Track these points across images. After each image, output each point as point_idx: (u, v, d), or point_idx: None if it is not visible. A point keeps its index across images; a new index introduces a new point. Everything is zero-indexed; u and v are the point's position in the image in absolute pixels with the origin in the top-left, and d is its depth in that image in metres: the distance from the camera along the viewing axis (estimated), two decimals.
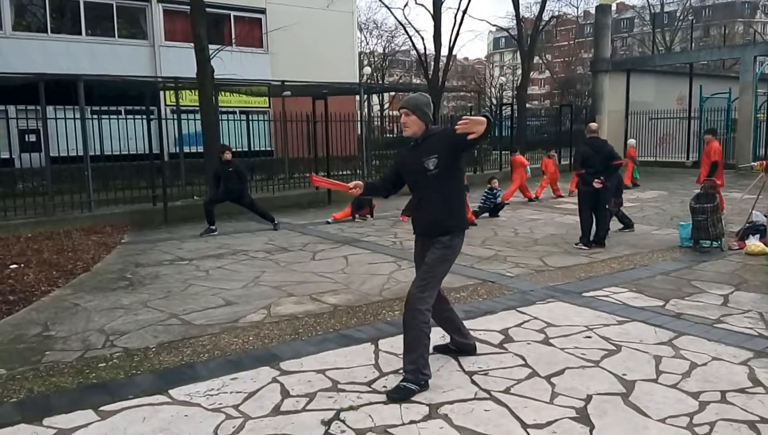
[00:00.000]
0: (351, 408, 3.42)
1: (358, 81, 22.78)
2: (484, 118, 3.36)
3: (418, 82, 40.96)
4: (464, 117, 3.52)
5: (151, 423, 3.31)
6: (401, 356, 3.73)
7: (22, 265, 7.49)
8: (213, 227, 9.86)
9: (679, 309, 5.22)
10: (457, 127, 3.39)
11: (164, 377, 3.95)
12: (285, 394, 3.64)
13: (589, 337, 4.55)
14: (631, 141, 18.15)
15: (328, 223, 10.79)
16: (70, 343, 4.70)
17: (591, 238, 8.07)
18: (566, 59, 55.70)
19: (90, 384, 3.88)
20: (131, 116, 12.64)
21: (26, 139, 14.66)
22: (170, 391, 3.70)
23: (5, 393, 3.76)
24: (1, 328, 5.13)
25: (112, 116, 12.32)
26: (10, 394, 3.75)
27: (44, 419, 3.37)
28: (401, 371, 3.69)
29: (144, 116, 11.93)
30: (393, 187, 4.13)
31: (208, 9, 13.47)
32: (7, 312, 5.58)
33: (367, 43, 46.08)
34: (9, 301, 5.90)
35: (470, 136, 3.37)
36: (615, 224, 9.08)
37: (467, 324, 4.81)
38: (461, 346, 4.22)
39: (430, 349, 3.96)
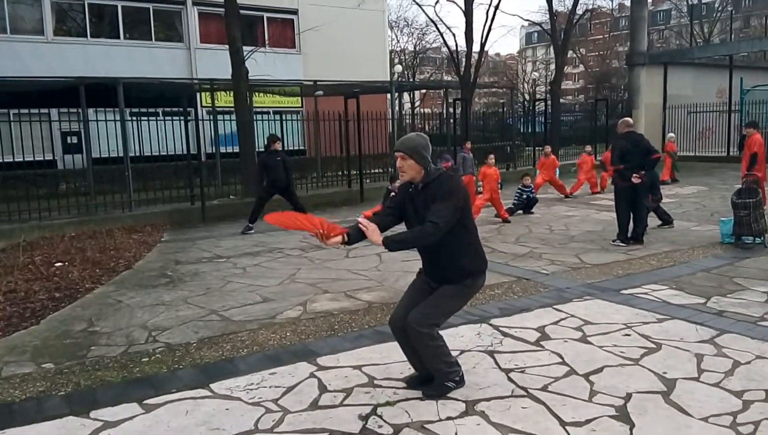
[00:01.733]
0: (388, 403, 3.45)
1: (389, 79, 22.82)
2: (379, 240, 3.33)
3: (449, 78, 40.78)
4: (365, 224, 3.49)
5: (194, 416, 3.39)
6: None
7: (67, 263, 7.74)
8: (251, 226, 9.93)
9: (721, 306, 5.10)
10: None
11: (205, 372, 4.04)
12: (322, 389, 3.69)
13: (628, 335, 4.49)
14: (671, 135, 17.71)
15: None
16: (114, 339, 4.84)
17: (628, 234, 7.94)
18: (601, 53, 54.70)
19: (134, 378, 4.00)
20: (169, 118, 12.89)
21: (68, 141, 15.16)
22: (211, 385, 3.79)
23: (54, 386, 3.90)
24: (48, 324, 5.31)
25: (150, 118, 12.58)
26: (59, 387, 3.89)
27: (91, 412, 3.49)
28: None
29: (181, 117, 12.17)
30: (399, 219, 3.65)
31: (241, 11, 13.65)
32: (53, 308, 5.78)
33: (398, 41, 46.12)
34: (55, 298, 6.11)
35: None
36: (654, 220, 8.90)
37: (502, 321, 4.83)
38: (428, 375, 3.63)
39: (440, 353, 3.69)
